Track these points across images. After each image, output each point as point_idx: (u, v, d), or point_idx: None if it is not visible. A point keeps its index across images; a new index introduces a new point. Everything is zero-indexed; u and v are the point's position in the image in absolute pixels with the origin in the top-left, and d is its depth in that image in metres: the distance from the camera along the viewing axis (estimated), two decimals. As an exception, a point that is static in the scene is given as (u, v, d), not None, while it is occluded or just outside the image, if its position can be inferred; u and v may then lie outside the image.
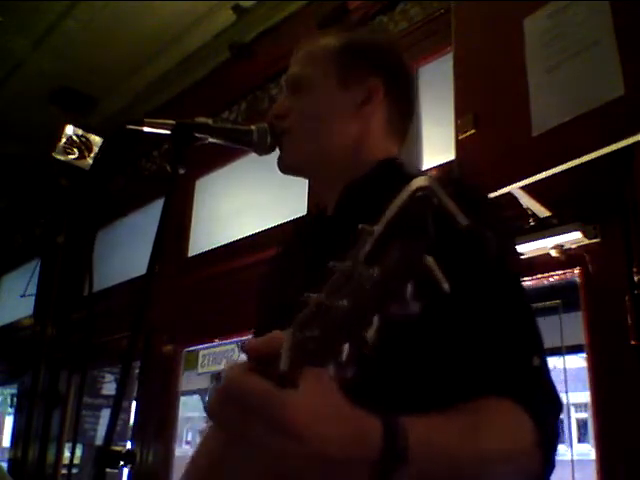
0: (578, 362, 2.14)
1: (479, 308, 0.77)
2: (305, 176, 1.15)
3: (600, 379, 1.60)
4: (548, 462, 0.71)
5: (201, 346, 3.73)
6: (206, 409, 0.59)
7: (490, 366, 0.73)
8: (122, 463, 0.88)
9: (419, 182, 0.49)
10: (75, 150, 2.92)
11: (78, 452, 4.04)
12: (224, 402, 0.57)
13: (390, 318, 0.50)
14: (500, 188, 1.48)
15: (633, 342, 1.53)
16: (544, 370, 0.76)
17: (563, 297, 1.89)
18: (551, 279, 1.80)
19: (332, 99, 1.03)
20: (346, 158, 1.02)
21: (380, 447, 0.56)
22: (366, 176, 0.99)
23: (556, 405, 0.75)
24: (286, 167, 1.08)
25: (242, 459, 0.60)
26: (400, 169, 1.02)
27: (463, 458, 0.64)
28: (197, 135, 1.03)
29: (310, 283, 0.57)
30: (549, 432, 0.71)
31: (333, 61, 1.05)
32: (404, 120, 1.10)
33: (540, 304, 1.91)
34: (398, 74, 1.09)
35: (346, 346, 0.52)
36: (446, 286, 0.47)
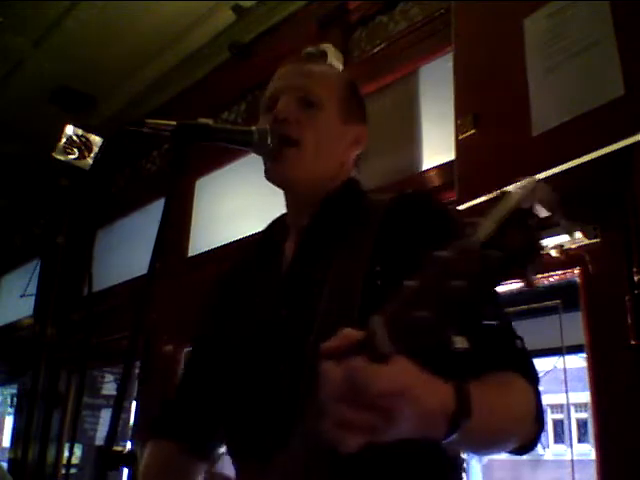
0: (578, 362, 2.14)
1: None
2: (291, 190, 1.17)
3: (600, 379, 1.60)
4: (541, 422, 0.90)
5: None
6: (328, 394, 0.66)
7: (489, 348, 0.88)
8: (123, 464, 0.88)
9: (535, 183, 0.61)
10: (75, 150, 2.92)
11: (78, 452, 4.04)
12: (358, 404, 0.64)
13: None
14: (500, 188, 1.48)
15: (633, 342, 1.53)
16: (525, 350, 0.94)
17: (563, 297, 1.89)
18: (551, 279, 1.80)
19: (335, 129, 1.13)
20: (327, 181, 1.12)
21: (454, 404, 0.71)
22: (338, 192, 1.11)
23: (538, 376, 0.93)
24: (284, 178, 1.11)
25: None
26: (359, 189, 1.16)
27: (501, 417, 0.81)
28: (197, 136, 1.03)
29: (304, 293, 0.62)
30: (540, 398, 0.90)
31: (341, 94, 1.15)
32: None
33: (540, 304, 1.91)
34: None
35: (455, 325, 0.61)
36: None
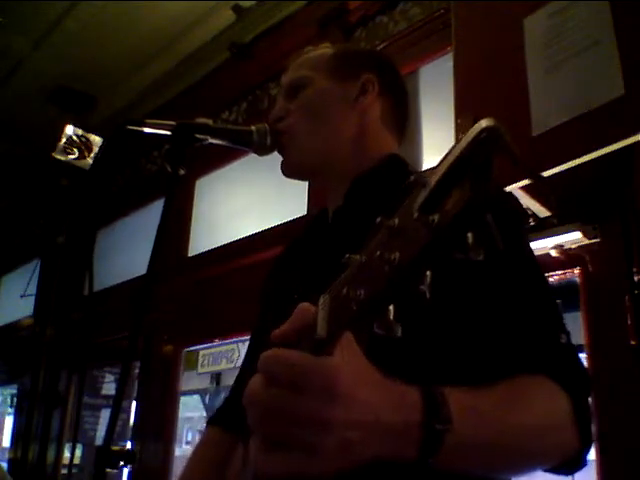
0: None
1: (514, 281, 0.80)
2: (309, 177, 1.15)
3: (600, 379, 1.60)
4: (585, 437, 0.72)
5: (201, 346, 3.74)
6: (247, 398, 0.56)
7: (523, 342, 0.75)
8: (122, 463, 0.88)
9: (484, 123, 0.46)
10: (75, 150, 2.92)
11: (78, 452, 4.04)
12: (268, 385, 0.54)
13: (446, 269, 0.47)
14: (500, 188, 1.48)
15: (633, 342, 1.53)
16: (572, 346, 0.78)
17: (563, 297, 1.89)
18: (551, 279, 1.79)
19: (329, 92, 1.06)
20: (347, 153, 1.04)
21: (422, 413, 0.57)
22: (374, 170, 1.02)
23: (587, 381, 0.76)
24: (290, 168, 1.08)
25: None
26: (405, 166, 1.04)
27: (504, 430, 0.65)
28: (197, 136, 1.03)
29: (323, 277, 0.55)
30: (584, 407, 0.72)
31: (328, 61, 1.09)
32: (400, 117, 1.13)
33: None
34: (391, 73, 1.14)
35: (392, 305, 0.49)
36: (501, 244, 0.45)
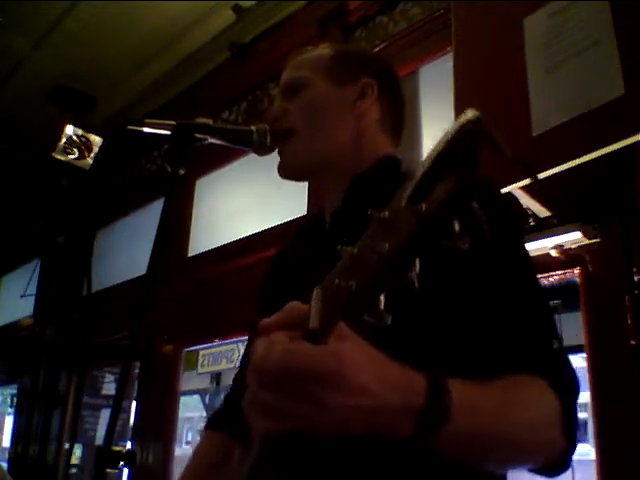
0: (578, 362, 2.14)
1: (510, 281, 0.81)
2: (305, 179, 1.15)
3: (600, 379, 1.60)
4: (571, 437, 0.74)
5: (201, 346, 3.73)
6: (247, 404, 0.58)
7: (518, 344, 0.77)
8: (122, 463, 0.88)
9: (469, 114, 0.47)
10: (75, 150, 2.92)
11: (78, 452, 4.04)
12: (263, 386, 0.56)
13: (434, 259, 0.48)
14: (500, 188, 1.48)
15: (633, 342, 1.53)
16: (563, 352, 0.80)
17: (563, 297, 1.89)
18: (551, 279, 1.80)
19: (328, 94, 1.06)
20: (344, 155, 1.05)
21: (424, 400, 0.58)
22: (371, 170, 1.02)
23: (576, 385, 0.78)
24: (287, 170, 1.07)
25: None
26: (400, 166, 1.04)
27: (498, 424, 0.67)
28: (197, 136, 1.03)
29: (321, 276, 0.56)
30: (571, 409, 0.74)
31: (327, 63, 1.09)
32: (397, 121, 1.14)
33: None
34: (389, 77, 1.14)
35: (382, 295, 0.50)
36: (489, 235, 0.47)
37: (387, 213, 0.50)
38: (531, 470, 0.76)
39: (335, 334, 0.55)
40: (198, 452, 1.18)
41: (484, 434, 0.66)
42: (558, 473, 0.77)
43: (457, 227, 0.46)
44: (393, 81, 1.15)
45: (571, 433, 0.73)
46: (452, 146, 0.47)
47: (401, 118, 1.15)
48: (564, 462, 0.75)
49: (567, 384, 0.76)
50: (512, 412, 0.69)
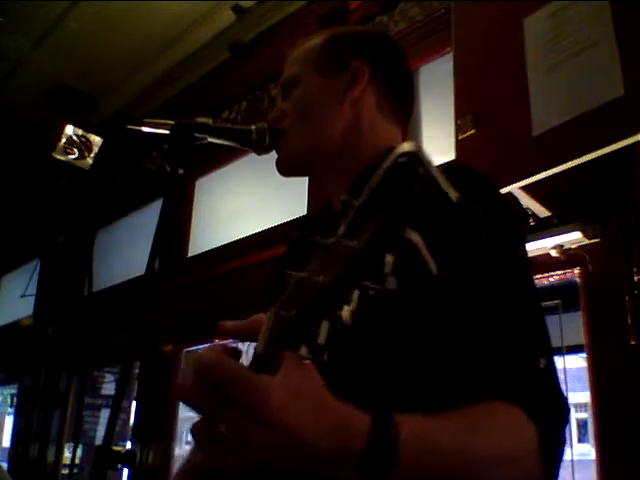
0: (578, 362, 2.14)
1: (476, 298, 0.72)
2: (304, 174, 1.13)
3: (600, 379, 1.60)
4: (550, 469, 0.68)
5: (201, 346, 3.73)
6: (177, 392, 0.57)
7: (490, 366, 0.69)
8: (122, 463, 0.88)
9: (404, 147, 0.47)
10: (75, 150, 2.92)
11: (78, 452, 4.04)
12: (198, 385, 0.53)
13: (367, 296, 0.47)
14: (500, 188, 1.47)
15: (633, 342, 1.53)
16: (551, 373, 0.71)
17: (563, 297, 1.89)
18: (551, 279, 1.79)
19: (317, 89, 1.01)
20: (340, 148, 0.99)
21: (366, 441, 0.54)
22: (372, 167, 0.98)
23: (562, 410, 0.70)
24: (283, 167, 1.06)
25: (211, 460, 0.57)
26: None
27: (458, 460, 0.61)
28: (197, 135, 1.03)
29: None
30: (552, 438, 0.67)
31: (315, 55, 1.04)
32: (400, 102, 1.06)
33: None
34: (383, 55, 1.06)
35: (323, 327, 0.49)
36: (434, 267, 0.45)
37: (329, 242, 0.49)
38: None
39: (285, 363, 0.52)
40: (193, 450, 1.18)
41: (443, 473, 0.60)
42: None
43: (389, 266, 0.46)
44: (389, 58, 1.07)
45: (552, 462, 0.67)
46: (386, 179, 0.47)
47: (404, 97, 1.07)
48: None
49: (550, 408, 0.68)
50: (477, 447, 0.62)
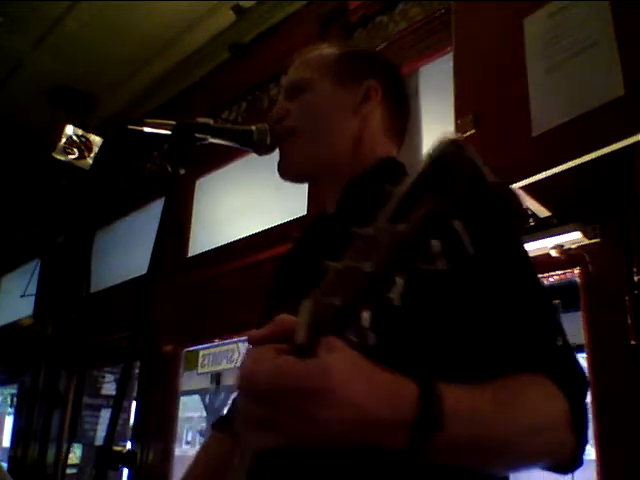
0: (578, 362, 2.14)
1: (506, 283, 0.79)
2: (306, 180, 1.15)
3: (600, 379, 1.60)
4: (581, 436, 0.72)
5: (201, 346, 3.74)
6: (238, 418, 0.59)
7: (519, 342, 0.75)
8: (123, 463, 0.88)
9: (450, 136, 0.48)
10: (75, 150, 2.92)
11: (78, 452, 4.04)
12: (253, 401, 0.57)
13: (416, 278, 0.49)
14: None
15: (633, 342, 1.53)
16: (568, 348, 0.78)
17: (563, 297, 1.89)
18: (551, 279, 1.80)
19: (331, 97, 1.05)
20: (346, 158, 1.04)
21: (415, 410, 0.58)
22: (367, 174, 1.01)
23: (584, 382, 0.76)
24: (287, 172, 1.07)
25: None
26: (401, 169, 1.03)
27: (497, 428, 0.65)
28: (198, 135, 1.03)
29: (307, 284, 0.57)
30: (580, 407, 0.72)
31: (331, 64, 1.08)
32: (401, 122, 1.14)
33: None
34: (393, 78, 1.14)
35: (366, 313, 0.51)
36: (472, 252, 0.47)
37: (370, 230, 0.50)
38: (543, 468, 0.75)
39: (324, 346, 0.55)
40: (202, 451, 1.19)
41: (484, 439, 0.65)
42: (571, 471, 0.76)
43: (436, 248, 0.47)
44: (397, 82, 1.15)
45: (581, 432, 0.72)
46: (428, 170, 0.48)
47: (405, 118, 1.15)
48: (576, 461, 0.74)
49: (574, 381, 0.74)
50: (514, 414, 0.67)
